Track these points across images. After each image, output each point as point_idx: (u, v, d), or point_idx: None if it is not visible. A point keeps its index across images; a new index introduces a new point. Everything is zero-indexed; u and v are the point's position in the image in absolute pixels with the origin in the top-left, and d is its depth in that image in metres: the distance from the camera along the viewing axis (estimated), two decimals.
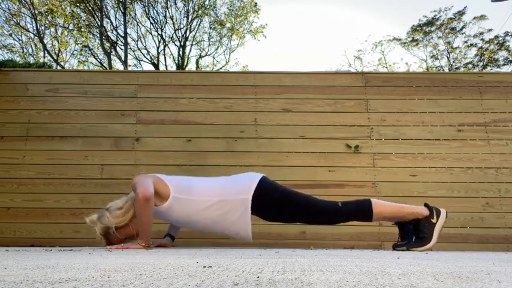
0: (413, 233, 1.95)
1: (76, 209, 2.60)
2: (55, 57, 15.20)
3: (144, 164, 2.66)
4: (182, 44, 15.31)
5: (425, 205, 1.97)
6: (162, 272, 0.73)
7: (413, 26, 18.32)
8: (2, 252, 1.48)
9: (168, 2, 14.55)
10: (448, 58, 17.96)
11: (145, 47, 16.11)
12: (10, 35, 14.95)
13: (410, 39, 18.59)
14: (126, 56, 13.70)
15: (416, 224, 1.93)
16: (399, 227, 2.00)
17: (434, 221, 1.92)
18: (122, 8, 13.92)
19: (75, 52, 15.82)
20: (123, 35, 13.88)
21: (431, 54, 18.39)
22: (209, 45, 16.13)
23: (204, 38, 16.26)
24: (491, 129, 2.73)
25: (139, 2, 14.38)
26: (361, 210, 1.92)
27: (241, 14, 15.95)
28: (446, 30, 17.68)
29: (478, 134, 2.72)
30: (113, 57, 14.48)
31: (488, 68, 16.78)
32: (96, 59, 15.45)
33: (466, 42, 17.58)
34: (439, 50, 18.20)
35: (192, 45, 15.70)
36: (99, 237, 1.89)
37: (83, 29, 14.36)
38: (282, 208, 1.93)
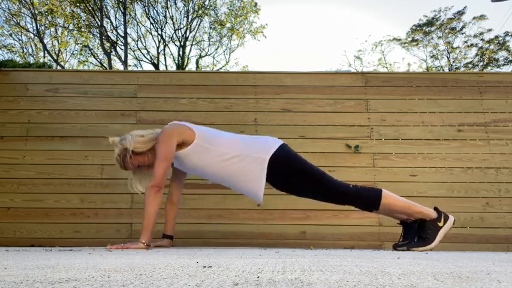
0: (416, 234, 1.94)
1: (76, 209, 2.60)
2: (55, 57, 15.21)
3: None
4: (182, 44, 15.31)
5: (435, 209, 1.97)
6: (162, 272, 0.73)
7: (414, 25, 18.32)
8: (2, 252, 1.48)
9: (168, 2, 14.56)
10: (448, 58, 17.96)
11: (145, 47, 16.14)
12: (10, 35, 14.97)
13: (410, 39, 18.59)
14: (126, 56, 13.70)
15: (421, 225, 1.93)
16: (404, 226, 1.99)
17: (440, 224, 1.91)
18: (122, 8, 13.92)
19: (75, 52, 15.84)
20: (123, 35, 13.88)
21: (431, 54, 18.39)
22: (209, 45, 16.15)
23: (204, 38, 16.28)
24: (491, 129, 2.73)
25: (139, 2, 14.39)
26: (371, 196, 1.92)
27: (241, 14, 15.95)
28: (446, 30, 17.68)
29: (478, 134, 2.72)
30: (113, 57, 14.50)
31: (489, 68, 16.77)
32: (96, 59, 15.47)
33: (466, 42, 17.58)
34: (439, 50, 18.20)
35: (192, 45, 15.72)
36: (116, 158, 1.98)
37: (83, 29, 14.37)
38: (296, 177, 1.94)
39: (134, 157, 1.95)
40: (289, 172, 1.93)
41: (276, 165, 1.91)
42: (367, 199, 1.93)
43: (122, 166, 1.99)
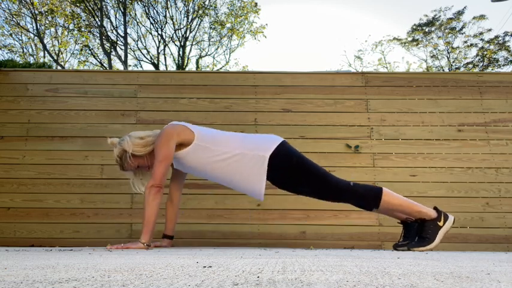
0: (416, 233, 1.94)
1: (76, 209, 2.60)
2: (55, 57, 15.20)
3: None
4: (182, 44, 15.30)
5: (435, 208, 1.96)
6: (162, 272, 0.73)
7: (415, 25, 18.30)
8: (2, 252, 1.48)
9: (168, 2, 14.55)
10: (448, 58, 17.95)
11: (145, 47, 16.10)
12: (10, 35, 14.96)
13: (410, 38, 18.58)
14: (126, 56, 13.69)
15: (422, 225, 1.93)
16: (404, 226, 1.99)
17: (440, 224, 1.91)
18: (122, 8, 13.92)
19: (75, 52, 15.83)
20: (123, 35, 13.87)
21: (432, 54, 18.38)
22: (209, 45, 16.13)
23: (204, 38, 16.26)
24: (491, 129, 2.73)
25: (139, 2, 14.38)
26: (371, 194, 1.91)
27: (242, 14, 15.95)
28: (446, 30, 17.67)
29: (478, 134, 2.72)
30: (113, 57, 14.49)
31: (490, 68, 16.76)
32: (96, 59, 15.46)
33: (465, 42, 17.57)
34: (439, 50, 18.19)
35: (192, 45, 15.70)
36: (115, 159, 2.00)
37: (83, 29, 14.36)
38: (296, 174, 1.93)
39: (133, 159, 1.96)
40: (289, 169, 1.93)
41: (276, 162, 1.90)
42: (367, 197, 1.92)
43: (121, 167, 2.01)
